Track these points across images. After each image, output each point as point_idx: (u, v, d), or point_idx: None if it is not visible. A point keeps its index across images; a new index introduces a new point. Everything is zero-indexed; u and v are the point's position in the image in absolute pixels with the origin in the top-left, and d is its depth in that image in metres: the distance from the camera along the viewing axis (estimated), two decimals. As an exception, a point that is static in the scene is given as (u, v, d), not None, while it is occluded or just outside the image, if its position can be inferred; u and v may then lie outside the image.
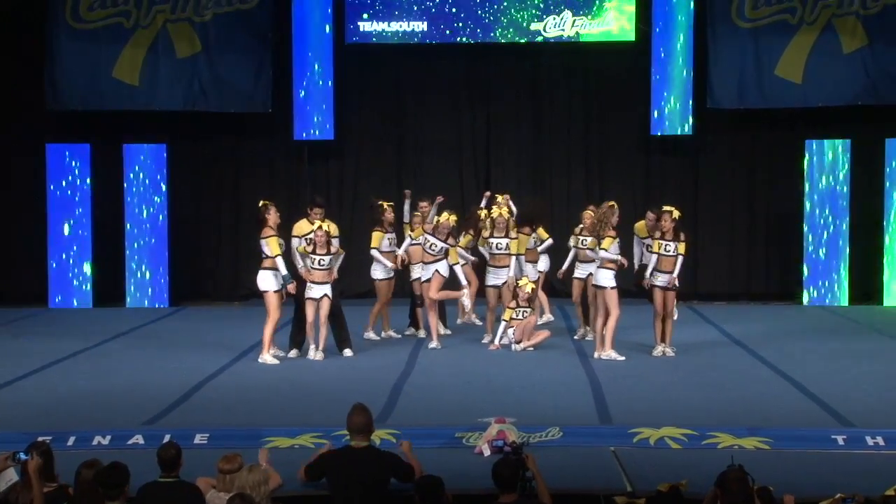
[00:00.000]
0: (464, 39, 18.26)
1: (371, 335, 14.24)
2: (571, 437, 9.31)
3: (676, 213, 13.12)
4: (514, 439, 8.64)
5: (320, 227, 12.92)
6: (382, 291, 14.18)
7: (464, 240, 14.35)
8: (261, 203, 12.97)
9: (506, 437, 8.83)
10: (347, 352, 13.21)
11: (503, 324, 13.62)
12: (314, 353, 12.98)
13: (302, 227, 13.43)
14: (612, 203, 13.11)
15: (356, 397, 10.59)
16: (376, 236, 14.11)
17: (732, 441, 9.18)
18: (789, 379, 11.82)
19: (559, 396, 11.07)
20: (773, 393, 11.21)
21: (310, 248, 12.95)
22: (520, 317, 13.51)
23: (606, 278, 12.83)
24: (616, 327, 12.87)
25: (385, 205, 14.38)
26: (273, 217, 12.82)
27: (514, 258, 13.78)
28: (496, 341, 13.60)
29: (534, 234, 14.27)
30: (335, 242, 13.15)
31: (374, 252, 14.04)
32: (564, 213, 17.95)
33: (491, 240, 13.90)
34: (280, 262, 12.69)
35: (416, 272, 14.17)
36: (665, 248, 13.08)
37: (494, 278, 13.93)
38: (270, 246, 12.68)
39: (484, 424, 9.23)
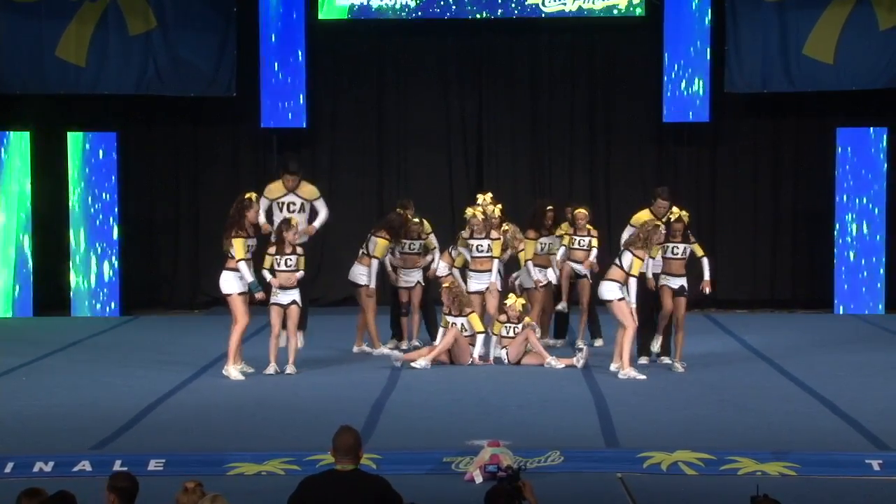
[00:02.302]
0: (453, 15, 18.26)
1: (384, 350, 14.19)
2: (574, 462, 9.33)
3: (686, 216, 13.30)
4: (509, 464, 8.65)
5: (286, 221, 12.98)
6: (367, 301, 14.17)
7: (459, 259, 14.37)
8: (245, 195, 12.93)
9: (500, 462, 8.84)
10: (300, 337, 13.31)
11: (493, 337, 13.66)
12: (286, 367, 13.04)
13: (274, 189, 13.66)
14: (658, 223, 13.00)
15: (331, 417, 10.64)
16: (383, 245, 14.15)
17: (755, 466, 9.21)
18: (818, 396, 11.86)
19: (560, 416, 11.09)
20: (800, 412, 11.25)
21: (272, 251, 12.98)
22: (510, 334, 13.54)
23: (611, 290, 12.88)
24: (632, 341, 12.89)
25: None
26: (253, 215, 12.85)
27: (495, 261, 13.85)
28: (490, 356, 13.64)
29: (541, 240, 14.30)
30: (321, 207, 13.48)
31: (375, 262, 14.13)
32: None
33: (471, 241, 13.97)
34: (244, 266, 12.71)
35: (404, 278, 14.43)
36: (673, 251, 13.12)
37: (476, 283, 14.00)
38: (236, 247, 12.70)
39: (475, 448, 9.25)
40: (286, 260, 12.96)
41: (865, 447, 9.84)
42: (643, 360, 13.36)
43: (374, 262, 14.13)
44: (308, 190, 13.70)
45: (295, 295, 13.01)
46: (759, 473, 9.08)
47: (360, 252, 14.29)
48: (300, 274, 13.08)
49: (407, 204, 14.72)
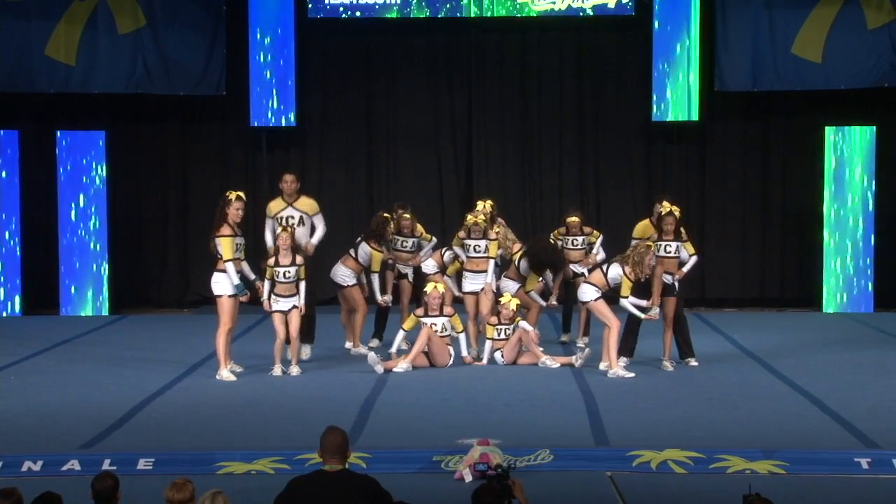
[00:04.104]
0: (443, 14, 18.24)
1: (362, 349, 14.16)
2: (563, 461, 9.33)
3: (678, 212, 13.32)
4: (498, 463, 8.64)
5: (284, 230, 12.97)
6: (357, 299, 14.19)
7: (451, 268, 14.39)
8: (227, 194, 12.87)
9: (489, 461, 8.84)
10: (306, 349, 13.31)
11: (488, 341, 13.63)
12: (289, 368, 13.02)
13: (273, 207, 13.70)
14: (650, 244, 12.96)
15: (321, 416, 10.64)
16: (378, 258, 14.17)
17: (744, 465, 9.22)
18: (807, 395, 11.88)
19: (550, 415, 11.09)
20: (789, 411, 11.26)
21: (271, 262, 12.97)
22: (501, 336, 13.53)
23: (588, 292, 12.94)
24: (617, 340, 12.90)
25: (390, 217, 14.46)
26: (233, 213, 12.74)
27: (491, 262, 13.86)
28: (484, 359, 13.61)
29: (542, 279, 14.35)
30: (318, 223, 13.36)
31: (375, 277, 14.20)
32: (556, 209, 17.94)
33: (468, 241, 13.95)
34: (231, 268, 12.61)
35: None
36: (665, 249, 13.17)
37: (472, 284, 13.97)
38: (223, 247, 12.63)
39: (465, 447, 9.25)
40: (285, 272, 12.93)
41: (854, 445, 9.85)
42: (622, 361, 13.31)
43: (375, 277, 14.17)
44: (308, 204, 13.58)
45: (295, 300, 12.98)
46: (748, 472, 9.10)
47: (347, 254, 14.27)
48: (303, 286, 13.00)
49: (403, 207, 14.73)
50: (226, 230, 12.67)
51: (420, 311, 13.55)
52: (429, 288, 13.54)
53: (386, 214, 14.52)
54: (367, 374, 12.96)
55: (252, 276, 12.95)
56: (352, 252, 14.24)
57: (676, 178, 18.70)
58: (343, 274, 14.18)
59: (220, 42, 18.16)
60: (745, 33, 17.99)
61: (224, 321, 12.70)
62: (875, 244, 18.01)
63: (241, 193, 12.98)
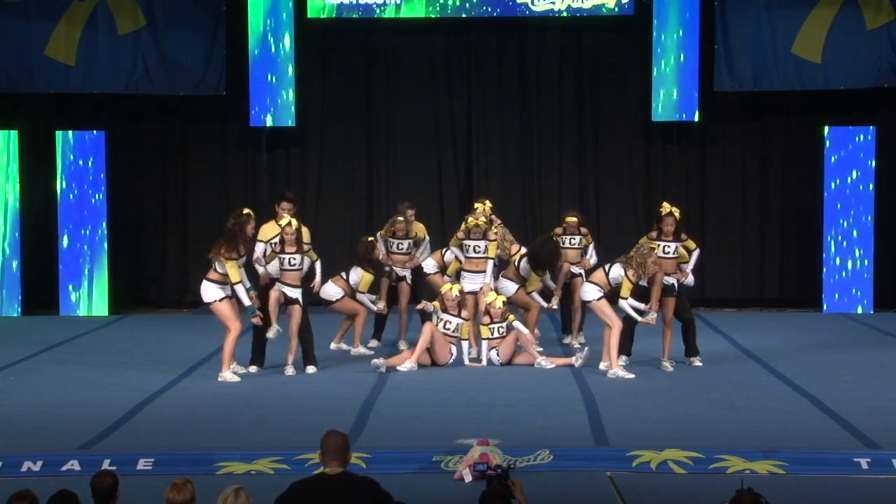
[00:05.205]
0: (442, 14, 18.24)
1: (361, 349, 14.20)
2: (563, 461, 9.34)
3: (678, 213, 13.35)
4: (498, 463, 8.65)
5: (289, 224, 12.97)
6: (353, 307, 14.22)
7: (451, 267, 14.40)
8: (244, 211, 12.84)
9: (489, 461, 8.84)
10: (311, 369, 13.19)
11: (485, 342, 13.64)
12: (285, 368, 13.03)
13: (268, 231, 13.50)
14: (653, 245, 13.00)
15: (321, 416, 10.67)
16: (367, 281, 14.19)
17: (744, 465, 9.23)
18: (807, 395, 11.89)
19: (549, 415, 11.10)
20: (789, 411, 11.26)
21: (278, 249, 12.99)
22: (496, 335, 13.53)
23: (591, 292, 12.94)
24: (619, 340, 12.89)
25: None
26: (250, 230, 12.76)
27: (490, 262, 13.86)
28: (482, 359, 13.61)
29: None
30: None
31: (362, 297, 14.20)
32: (555, 209, 17.93)
33: (467, 242, 13.95)
34: (241, 290, 12.51)
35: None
36: (664, 250, 13.17)
37: (470, 284, 13.97)
38: (230, 272, 12.48)
39: (465, 447, 9.26)
40: (290, 259, 12.93)
41: (854, 445, 9.86)
42: (621, 360, 13.32)
43: (363, 298, 14.19)
44: (305, 231, 13.48)
45: (298, 294, 12.98)
46: (748, 472, 9.10)
47: (339, 275, 14.26)
48: (317, 265, 13.11)
49: (401, 208, 14.72)
50: (233, 253, 12.51)
51: (440, 305, 13.55)
52: (444, 288, 13.55)
53: (370, 238, 14.50)
54: (367, 374, 12.96)
55: (249, 284, 12.87)
56: (343, 274, 14.27)
57: (676, 178, 18.70)
58: (331, 291, 14.15)
59: (219, 42, 18.16)
60: (745, 33, 17.99)
61: (231, 325, 12.63)
62: (875, 244, 18.01)
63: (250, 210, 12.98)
